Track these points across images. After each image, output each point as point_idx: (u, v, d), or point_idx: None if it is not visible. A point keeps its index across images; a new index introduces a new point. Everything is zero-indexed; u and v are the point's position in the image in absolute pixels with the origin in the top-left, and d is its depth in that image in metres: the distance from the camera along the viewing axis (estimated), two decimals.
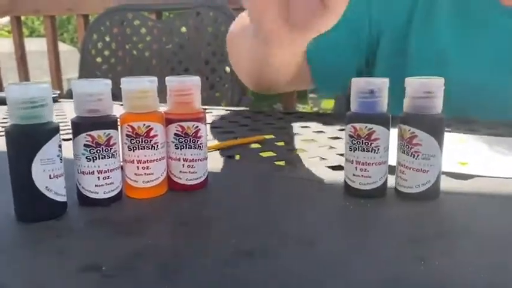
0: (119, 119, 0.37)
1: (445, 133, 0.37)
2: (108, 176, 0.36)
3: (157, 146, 0.37)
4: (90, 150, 0.35)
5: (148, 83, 0.37)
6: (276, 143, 0.57)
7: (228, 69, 1.48)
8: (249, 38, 0.64)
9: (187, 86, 0.39)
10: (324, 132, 0.64)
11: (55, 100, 0.96)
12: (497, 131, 0.61)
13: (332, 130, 0.65)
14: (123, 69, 1.49)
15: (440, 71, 0.41)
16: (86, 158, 0.35)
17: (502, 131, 0.61)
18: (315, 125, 0.68)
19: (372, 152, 0.36)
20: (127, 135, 0.37)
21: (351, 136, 0.37)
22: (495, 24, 0.70)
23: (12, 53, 2.24)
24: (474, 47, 0.71)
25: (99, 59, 1.52)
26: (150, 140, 0.37)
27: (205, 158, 0.40)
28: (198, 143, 0.39)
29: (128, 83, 0.37)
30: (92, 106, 0.35)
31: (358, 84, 0.37)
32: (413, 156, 0.36)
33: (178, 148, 0.39)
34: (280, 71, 0.69)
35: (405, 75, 0.38)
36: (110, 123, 0.35)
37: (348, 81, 0.38)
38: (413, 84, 0.36)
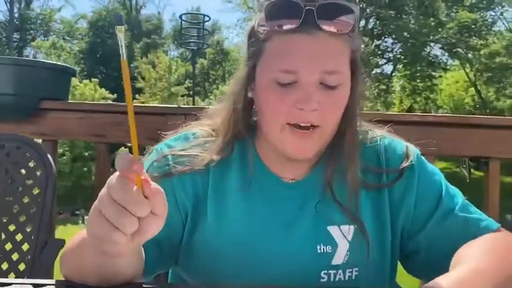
0: None
1: None
2: None
3: None
4: None
5: None
6: None
7: (33, 209, 1.37)
8: (90, 254, 0.66)
9: None
10: None
11: None
12: None
13: None
14: None
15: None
16: None
17: None
18: None
19: None
20: None
21: None
22: (279, 196, 0.83)
23: None
24: (261, 217, 0.82)
25: None
26: None
27: None
28: None
29: None
30: None
31: None
32: None
33: None
34: (129, 268, 0.71)
35: None
36: None
37: None
38: None
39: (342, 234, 0.80)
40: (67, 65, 1.82)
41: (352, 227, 0.81)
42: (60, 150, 13.80)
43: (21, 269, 1.32)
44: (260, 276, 0.80)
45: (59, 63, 1.88)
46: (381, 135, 0.87)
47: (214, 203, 0.83)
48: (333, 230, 0.81)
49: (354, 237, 0.80)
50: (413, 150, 0.87)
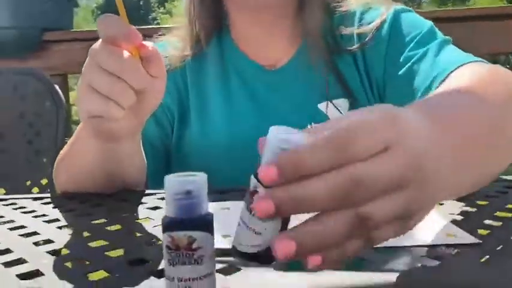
0: None
1: None
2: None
3: None
4: None
5: None
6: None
7: (46, 142, 1.32)
8: (89, 152, 0.61)
9: None
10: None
11: None
12: None
13: None
14: None
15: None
16: None
17: None
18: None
19: (195, 264, 0.31)
20: None
21: (169, 248, 0.31)
22: (262, 85, 0.79)
23: None
24: (243, 109, 0.78)
25: None
26: None
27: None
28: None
29: None
30: None
31: (171, 184, 0.31)
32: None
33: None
34: (134, 164, 0.66)
35: None
36: None
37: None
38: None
39: (336, 109, 0.75)
40: None
41: (346, 100, 0.75)
42: (77, 118, 14.02)
43: None
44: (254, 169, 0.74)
45: None
46: (364, 2, 0.78)
47: (196, 99, 0.80)
48: (323, 106, 0.76)
49: (349, 110, 0.74)
50: (394, 6, 0.76)
